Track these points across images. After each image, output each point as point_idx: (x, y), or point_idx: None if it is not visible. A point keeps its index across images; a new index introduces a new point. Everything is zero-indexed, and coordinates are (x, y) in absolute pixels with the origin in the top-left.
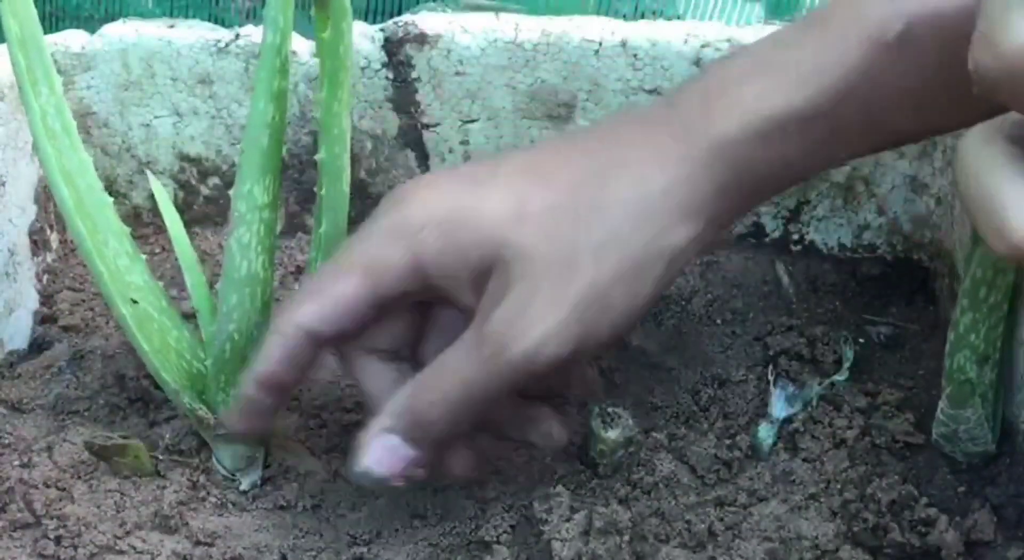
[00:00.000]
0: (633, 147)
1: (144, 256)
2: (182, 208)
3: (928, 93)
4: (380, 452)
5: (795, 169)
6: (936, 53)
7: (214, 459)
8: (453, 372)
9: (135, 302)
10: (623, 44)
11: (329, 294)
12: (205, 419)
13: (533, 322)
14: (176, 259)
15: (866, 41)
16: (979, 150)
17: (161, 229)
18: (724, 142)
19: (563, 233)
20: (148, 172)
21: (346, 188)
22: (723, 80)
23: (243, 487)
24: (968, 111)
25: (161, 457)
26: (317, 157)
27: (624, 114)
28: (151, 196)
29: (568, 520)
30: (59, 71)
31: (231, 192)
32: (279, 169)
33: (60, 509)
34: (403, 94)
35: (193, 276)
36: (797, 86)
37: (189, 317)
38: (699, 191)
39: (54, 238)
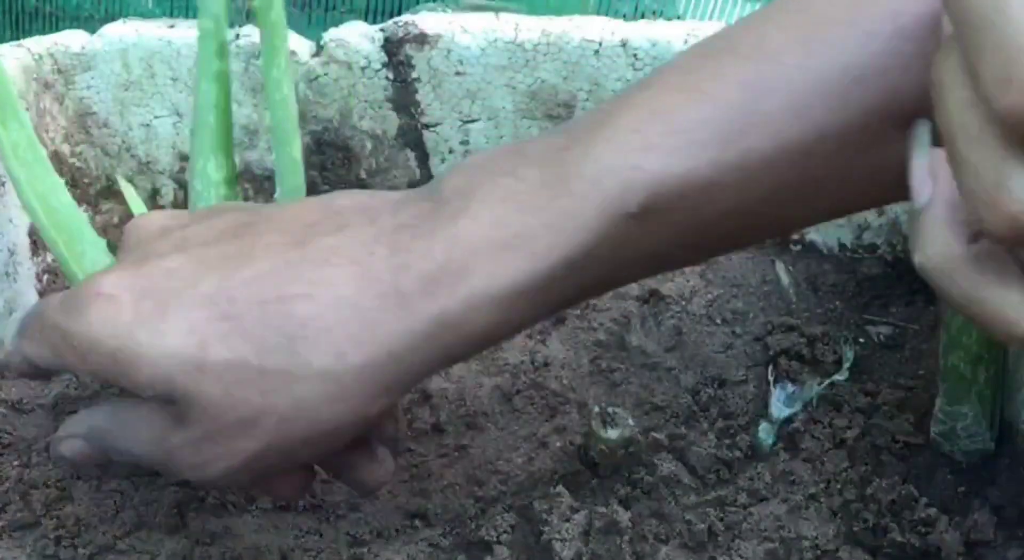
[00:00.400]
0: (341, 293)
1: None
2: (182, 208)
3: (669, 254)
4: (64, 443)
5: (519, 328)
6: (683, 220)
7: None
8: (127, 444)
9: None
10: (623, 44)
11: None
12: None
13: (208, 462)
14: None
15: (606, 212)
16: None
17: None
18: (447, 320)
19: (246, 395)
20: (118, 176)
21: (297, 155)
22: (456, 247)
23: None
24: (702, 259)
25: None
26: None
27: (360, 227)
28: (151, 196)
29: (568, 520)
30: (59, 71)
31: (186, 173)
32: (230, 147)
33: (60, 509)
34: (403, 94)
35: None
36: (531, 261)
37: None
38: (405, 368)
39: None
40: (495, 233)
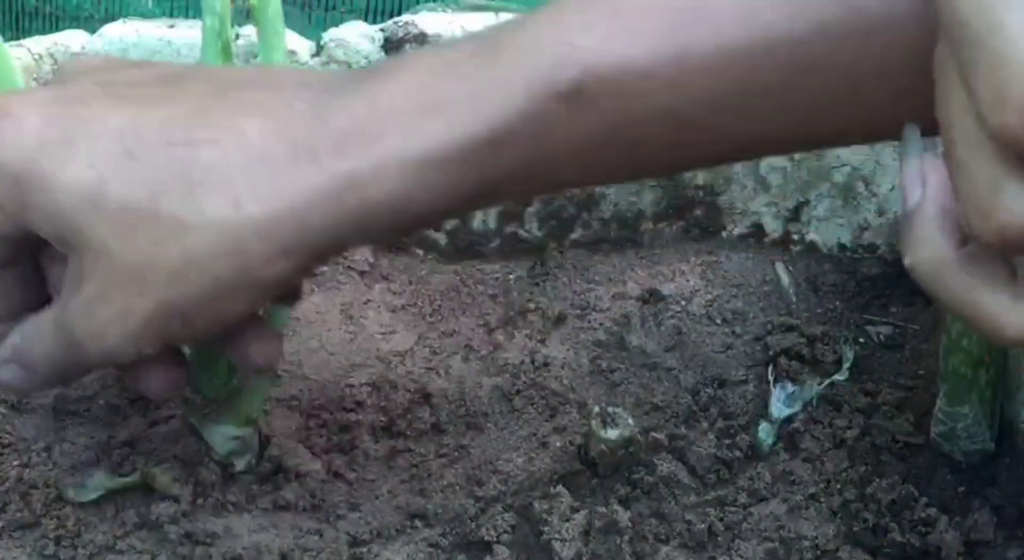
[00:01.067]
0: (251, 142)
1: None
2: None
3: (599, 151)
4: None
5: (431, 209)
6: (614, 110)
7: (208, 449)
8: (38, 347)
9: None
10: None
11: None
12: (192, 399)
13: (105, 327)
14: None
15: (534, 87)
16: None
17: None
18: (355, 180)
19: (138, 243)
20: None
21: None
22: (375, 109)
23: (239, 468)
24: (638, 171)
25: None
26: None
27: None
28: None
29: (568, 520)
30: (59, 71)
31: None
32: None
33: (60, 509)
34: None
35: None
36: (448, 129)
37: None
38: (307, 229)
39: None
40: (417, 98)
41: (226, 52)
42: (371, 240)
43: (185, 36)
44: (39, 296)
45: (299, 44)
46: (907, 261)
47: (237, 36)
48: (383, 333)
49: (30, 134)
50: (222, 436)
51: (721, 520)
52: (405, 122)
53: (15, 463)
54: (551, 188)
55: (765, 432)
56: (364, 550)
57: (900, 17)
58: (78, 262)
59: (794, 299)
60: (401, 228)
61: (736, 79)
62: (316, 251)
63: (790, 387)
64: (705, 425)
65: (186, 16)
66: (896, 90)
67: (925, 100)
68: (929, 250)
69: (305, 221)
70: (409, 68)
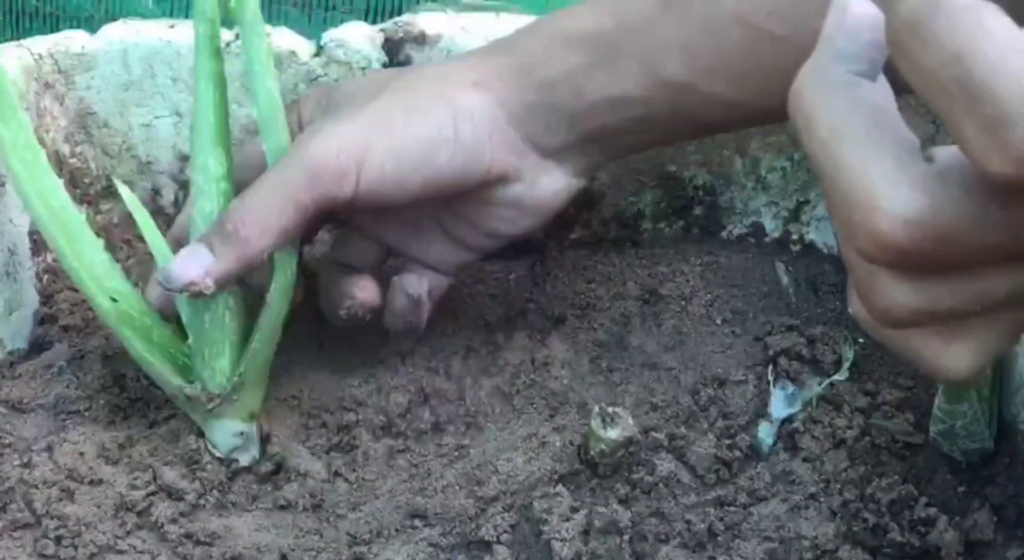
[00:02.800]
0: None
1: (119, 263)
2: (182, 207)
3: (695, 44)
4: (183, 258)
5: (580, 86)
6: (701, 10)
7: (210, 446)
8: (259, 182)
9: (115, 300)
10: None
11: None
12: (195, 396)
13: (327, 131)
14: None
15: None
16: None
17: (161, 230)
18: (529, 60)
19: (373, 82)
20: (115, 180)
21: (285, 143)
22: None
23: (243, 464)
24: (740, 75)
25: (161, 457)
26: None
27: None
28: (152, 196)
29: (568, 520)
30: (59, 71)
31: (187, 168)
32: (228, 144)
33: (60, 509)
34: None
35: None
36: (599, 14)
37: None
38: (498, 80)
39: None
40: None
41: (217, 54)
42: (570, 131)
43: (185, 36)
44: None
45: (299, 44)
46: (851, 310)
47: (237, 36)
48: (383, 333)
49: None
50: (225, 432)
51: (721, 520)
52: (550, 16)
53: (15, 463)
54: (660, 83)
55: (765, 432)
56: (364, 550)
57: None
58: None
59: (794, 299)
60: (588, 118)
61: None
62: (504, 101)
63: (790, 387)
64: (705, 425)
65: (186, 16)
66: None
67: None
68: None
69: (493, 73)
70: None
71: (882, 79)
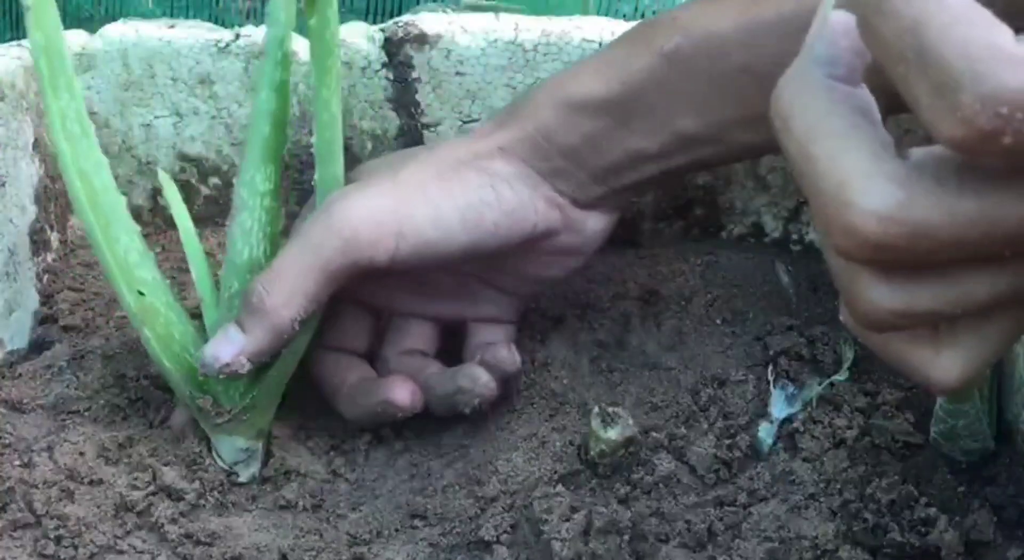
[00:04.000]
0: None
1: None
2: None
3: (700, 98)
4: (216, 343)
5: (600, 148)
6: (704, 66)
7: (213, 453)
8: (287, 249)
9: (142, 294)
10: None
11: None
12: (205, 407)
13: (357, 198)
14: (176, 260)
15: (655, 51)
16: (809, 98)
17: (161, 229)
18: (519, 115)
19: (393, 159)
20: (159, 170)
21: (340, 173)
22: (557, 75)
23: (242, 479)
24: (738, 118)
25: (161, 457)
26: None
27: None
28: (152, 196)
29: (568, 520)
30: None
31: (234, 181)
32: (280, 159)
33: (60, 509)
34: (403, 94)
35: (199, 267)
36: (605, 79)
37: (193, 316)
38: (521, 147)
39: (54, 238)
40: (590, 60)
41: (285, 63)
42: (565, 173)
43: (185, 36)
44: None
45: (300, 44)
46: (841, 318)
47: (237, 36)
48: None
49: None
50: (231, 446)
51: (721, 520)
52: (554, 82)
53: (15, 463)
54: (675, 137)
55: (765, 432)
56: (364, 550)
57: None
58: None
59: (794, 299)
60: (572, 162)
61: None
62: (522, 159)
63: (790, 387)
64: (705, 425)
65: (186, 16)
66: None
67: None
68: None
69: (510, 137)
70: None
71: (863, 88)
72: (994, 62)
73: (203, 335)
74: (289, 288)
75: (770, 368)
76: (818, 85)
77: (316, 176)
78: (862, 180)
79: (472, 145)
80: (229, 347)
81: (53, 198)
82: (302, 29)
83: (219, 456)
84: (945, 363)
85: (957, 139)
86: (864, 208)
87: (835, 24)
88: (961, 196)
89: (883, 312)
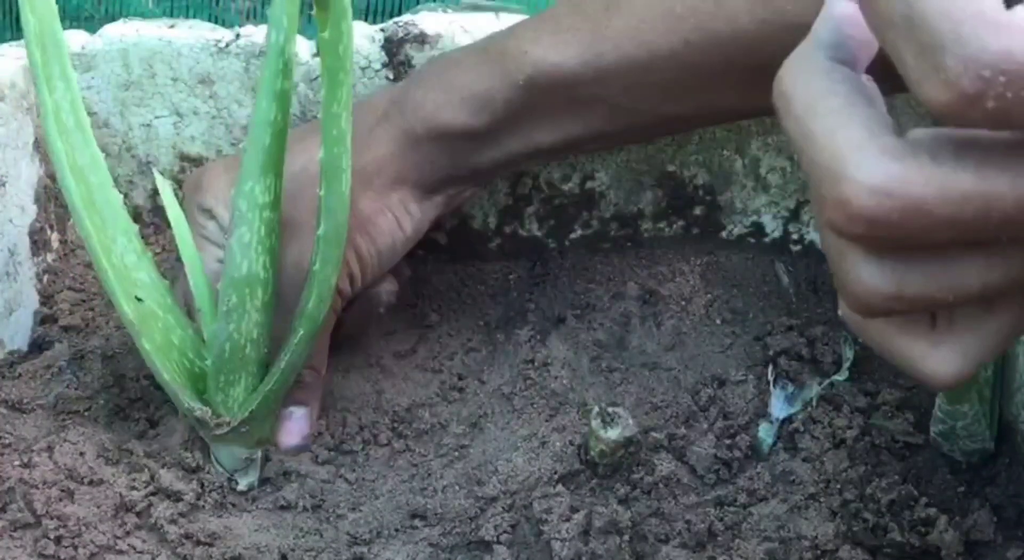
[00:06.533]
0: (358, 128)
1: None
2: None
3: (560, 121)
4: (286, 431)
5: (481, 168)
6: (559, 96)
7: (213, 459)
8: (322, 328)
9: (140, 300)
10: None
11: None
12: (204, 419)
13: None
14: (174, 259)
15: (507, 78)
16: (809, 81)
17: (161, 229)
18: (422, 152)
19: (305, 200)
20: (154, 171)
21: (346, 190)
22: (416, 83)
23: (240, 487)
24: (595, 139)
25: (161, 457)
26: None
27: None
28: (152, 196)
29: (568, 520)
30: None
31: (232, 191)
32: (280, 170)
33: (60, 509)
34: None
35: (196, 277)
36: (459, 106)
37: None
38: (406, 162)
39: (54, 238)
40: (438, 82)
41: (287, 72)
42: (453, 180)
43: (185, 36)
44: None
45: (299, 44)
46: (840, 312)
47: (238, 36)
48: (383, 333)
49: None
50: (231, 455)
51: (721, 520)
52: (435, 98)
53: (15, 463)
54: (530, 149)
55: (765, 432)
56: (364, 550)
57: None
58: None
59: (794, 299)
60: (462, 169)
61: (632, 77)
62: (415, 181)
63: (790, 387)
64: (705, 425)
65: (186, 16)
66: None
67: None
68: None
69: (401, 160)
70: (435, 61)
71: (865, 75)
72: (977, 25)
73: (202, 340)
74: (323, 351)
75: (770, 368)
76: (819, 66)
77: (321, 193)
78: (856, 153)
79: (375, 157)
80: (298, 432)
81: (53, 198)
82: (302, 30)
83: (219, 463)
84: (942, 358)
85: (942, 102)
86: (858, 180)
87: (840, 9)
88: (956, 172)
89: (873, 293)
